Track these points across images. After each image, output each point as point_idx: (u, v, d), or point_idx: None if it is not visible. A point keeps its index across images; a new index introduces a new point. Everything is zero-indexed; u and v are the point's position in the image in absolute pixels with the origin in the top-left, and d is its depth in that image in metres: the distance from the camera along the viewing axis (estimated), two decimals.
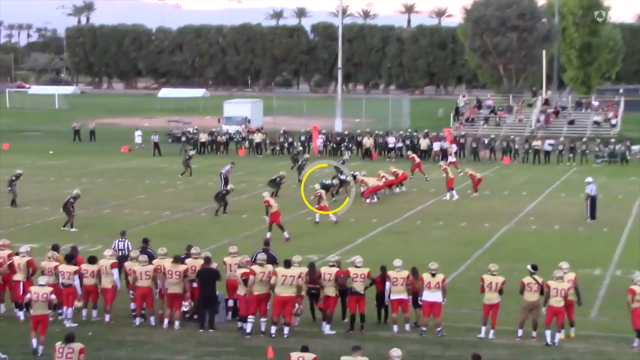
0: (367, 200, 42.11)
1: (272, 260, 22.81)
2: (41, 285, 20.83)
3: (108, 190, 46.31)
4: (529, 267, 21.81)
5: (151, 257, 23.13)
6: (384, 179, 43.79)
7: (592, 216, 37.90)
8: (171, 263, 22.25)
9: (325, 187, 40.79)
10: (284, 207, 36.64)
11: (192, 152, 55.89)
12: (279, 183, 43.74)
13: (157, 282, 22.45)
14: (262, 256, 22.19)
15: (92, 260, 22.92)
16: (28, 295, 20.82)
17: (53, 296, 20.67)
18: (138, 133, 71.05)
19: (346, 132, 69.69)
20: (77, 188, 37.86)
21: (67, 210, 35.19)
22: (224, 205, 38.87)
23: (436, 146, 62.94)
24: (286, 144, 66.60)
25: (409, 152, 58.36)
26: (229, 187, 40.84)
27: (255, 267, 21.73)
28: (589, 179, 39.07)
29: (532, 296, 21.23)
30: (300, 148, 62.76)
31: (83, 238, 32.44)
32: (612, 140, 63.82)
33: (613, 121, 74.78)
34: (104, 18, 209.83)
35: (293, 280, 21.47)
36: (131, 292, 22.65)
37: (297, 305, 21.69)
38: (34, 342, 20.20)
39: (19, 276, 22.94)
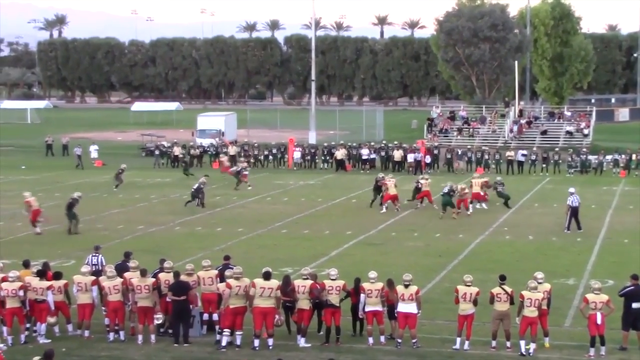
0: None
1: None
2: (11, 281, 21.57)
3: (81, 205, 45.79)
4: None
5: (126, 271, 22.97)
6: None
7: (575, 227, 37.36)
8: (139, 277, 22.17)
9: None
10: (261, 220, 36.34)
11: (123, 166, 54.72)
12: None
13: (128, 296, 22.35)
14: (238, 269, 22.14)
15: (58, 275, 22.81)
16: (1, 293, 21.45)
17: (21, 292, 21.52)
18: (94, 147, 71.59)
19: (325, 144, 69.33)
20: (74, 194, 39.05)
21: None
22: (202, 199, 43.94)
23: (410, 157, 63.04)
24: (261, 157, 66.71)
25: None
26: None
27: (231, 281, 21.65)
28: (572, 190, 38.59)
29: (502, 306, 21.29)
30: (187, 159, 62.99)
31: (56, 253, 32.21)
32: (585, 150, 64.08)
33: (585, 131, 75.23)
34: (76, 32, 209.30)
35: (272, 292, 21.44)
36: (103, 307, 22.53)
37: (277, 316, 21.64)
38: (9, 338, 21.03)
39: None
